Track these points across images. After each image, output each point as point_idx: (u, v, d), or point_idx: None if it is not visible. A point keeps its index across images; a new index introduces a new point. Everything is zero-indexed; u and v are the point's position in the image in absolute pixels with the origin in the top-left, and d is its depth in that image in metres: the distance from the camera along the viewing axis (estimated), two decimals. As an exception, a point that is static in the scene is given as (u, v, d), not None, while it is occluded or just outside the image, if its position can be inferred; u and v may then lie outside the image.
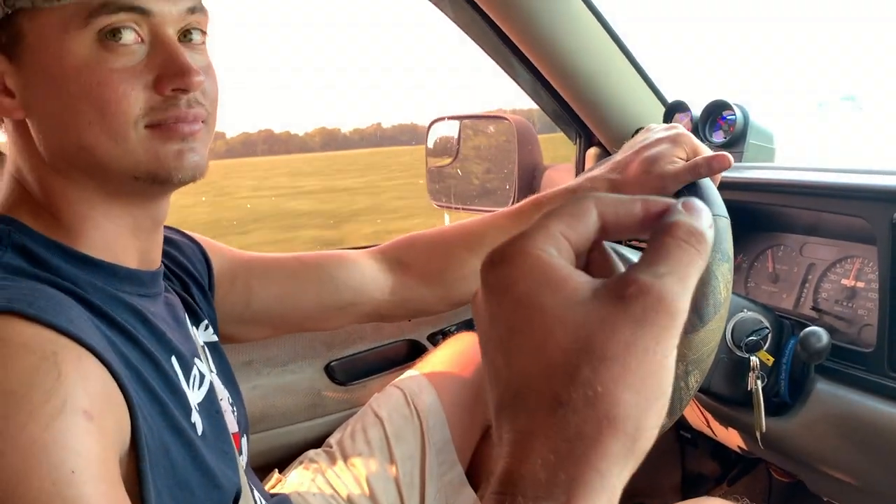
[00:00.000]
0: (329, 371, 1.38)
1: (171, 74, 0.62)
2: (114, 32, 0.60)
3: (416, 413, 1.17)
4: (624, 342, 0.29)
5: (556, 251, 0.31)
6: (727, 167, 0.81)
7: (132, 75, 0.61)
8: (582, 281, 0.31)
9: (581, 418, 0.29)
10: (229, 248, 0.94)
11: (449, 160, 1.84)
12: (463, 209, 1.75)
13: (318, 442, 1.25)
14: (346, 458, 1.13)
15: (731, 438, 1.17)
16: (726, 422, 1.13)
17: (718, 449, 1.49)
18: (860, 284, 1.03)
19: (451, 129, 1.81)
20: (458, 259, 0.96)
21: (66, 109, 0.61)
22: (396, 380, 1.27)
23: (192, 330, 0.78)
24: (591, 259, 0.34)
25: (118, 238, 0.68)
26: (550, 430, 0.29)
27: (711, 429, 1.20)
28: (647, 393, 0.29)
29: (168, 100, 0.63)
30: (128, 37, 0.61)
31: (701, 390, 0.93)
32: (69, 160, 0.63)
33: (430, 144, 1.84)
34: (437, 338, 1.46)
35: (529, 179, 1.68)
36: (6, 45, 0.61)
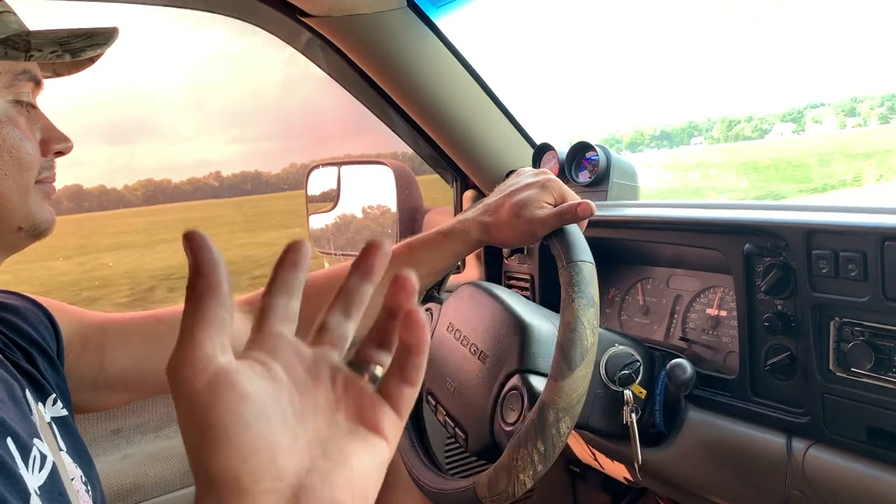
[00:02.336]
0: (206, 434, 1.31)
1: (55, 139, 0.72)
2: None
3: None
4: None
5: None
6: (591, 215, 0.84)
7: (33, 135, 0.70)
8: None
9: None
10: (79, 308, 0.88)
11: (330, 206, 1.82)
12: (344, 255, 1.72)
13: (195, 511, 1.18)
14: None
15: (617, 470, 1.18)
16: (611, 455, 1.15)
17: (608, 481, 1.51)
18: (723, 313, 1.08)
19: (330, 176, 1.80)
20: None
21: None
22: None
23: (36, 407, 0.71)
24: None
25: None
26: None
27: (598, 462, 1.21)
28: None
29: (48, 161, 0.72)
30: (28, 101, 0.69)
31: (581, 426, 0.94)
32: None
33: (311, 191, 1.82)
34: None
35: (411, 222, 1.68)
36: None
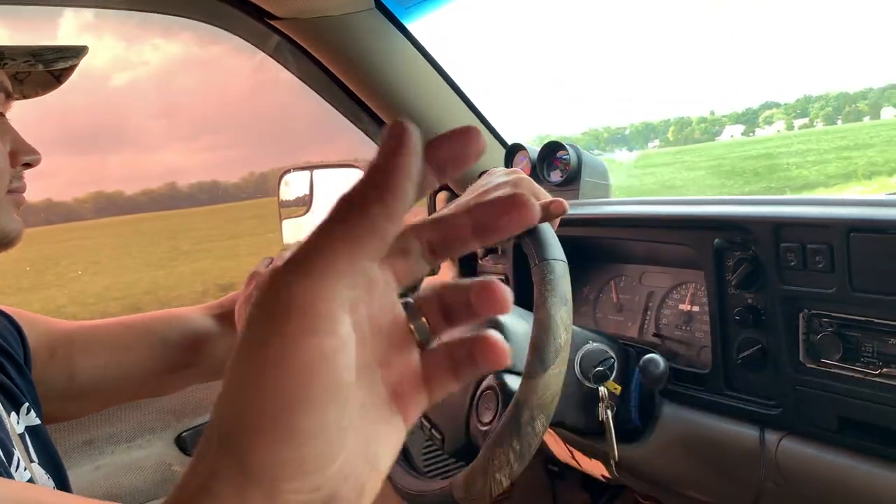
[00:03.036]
0: (181, 443, 1.29)
1: (24, 151, 0.74)
2: None
3: None
4: None
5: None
6: (563, 213, 0.84)
7: (3, 146, 0.72)
8: None
9: None
10: (45, 317, 0.87)
11: (303, 211, 1.81)
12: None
13: (172, 521, 1.16)
14: None
15: (595, 468, 1.19)
16: (588, 452, 1.15)
17: (586, 479, 1.52)
18: (695, 308, 1.09)
19: (302, 180, 1.79)
20: None
21: None
22: None
23: (8, 418, 0.70)
24: None
25: None
26: None
27: (576, 460, 1.22)
28: None
29: (17, 172, 0.74)
30: None
31: (557, 424, 0.94)
32: None
33: (283, 196, 1.80)
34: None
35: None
36: None
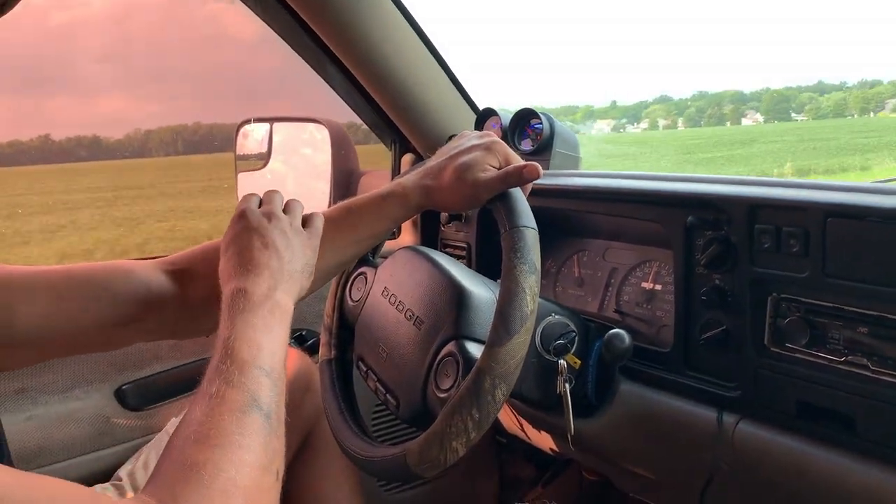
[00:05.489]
0: (120, 395, 1.24)
1: None
2: None
3: None
4: None
5: None
6: (537, 177, 0.81)
7: None
8: None
9: None
10: None
11: (260, 164, 1.75)
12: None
13: (106, 475, 1.12)
14: (137, 491, 1.01)
15: (544, 441, 1.18)
16: (539, 425, 1.14)
17: (533, 452, 1.52)
18: (658, 287, 1.08)
19: (261, 133, 1.73)
20: None
21: None
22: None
23: None
24: None
25: None
26: None
27: (525, 432, 1.21)
28: None
29: None
30: None
31: (513, 395, 0.92)
32: None
33: (240, 148, 1.74)
34: (245, 353, 1.35)
35: (346, 184, 1.63)
36: None
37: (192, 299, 0.86)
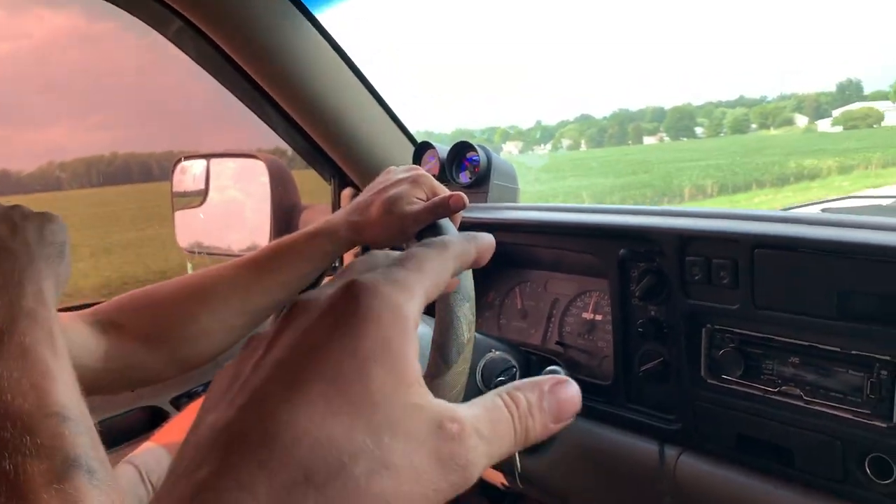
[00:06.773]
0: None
1: None
2: None
3: (153, 491, 1.03)
4: None
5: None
6: (463, 207, 0.81)
7: None
8: None
9: None
10: None
11: (198, 201, 1.71)
12: (214, 254, 1.62)
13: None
14: None
15: (495, 476, 1.16)
16: (487, 461, 1.12)
17: (486, 485, 1.50)
18: (598, 317, 1.07)
19: (198, 168, 1.69)
20: (185, 317, 0.85)
21: None
22: (130, 455, 1.11)
23: None
24: None
25: None
26: None
27: (475, 468, 1.19)
28: None
29: None
30: None
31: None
32: None
33: (177, 185, 1.70)
34: (181, 401, 1.31)
35: (287, 219, 1.60)
36: None
37: (115, 353, 0.82)
